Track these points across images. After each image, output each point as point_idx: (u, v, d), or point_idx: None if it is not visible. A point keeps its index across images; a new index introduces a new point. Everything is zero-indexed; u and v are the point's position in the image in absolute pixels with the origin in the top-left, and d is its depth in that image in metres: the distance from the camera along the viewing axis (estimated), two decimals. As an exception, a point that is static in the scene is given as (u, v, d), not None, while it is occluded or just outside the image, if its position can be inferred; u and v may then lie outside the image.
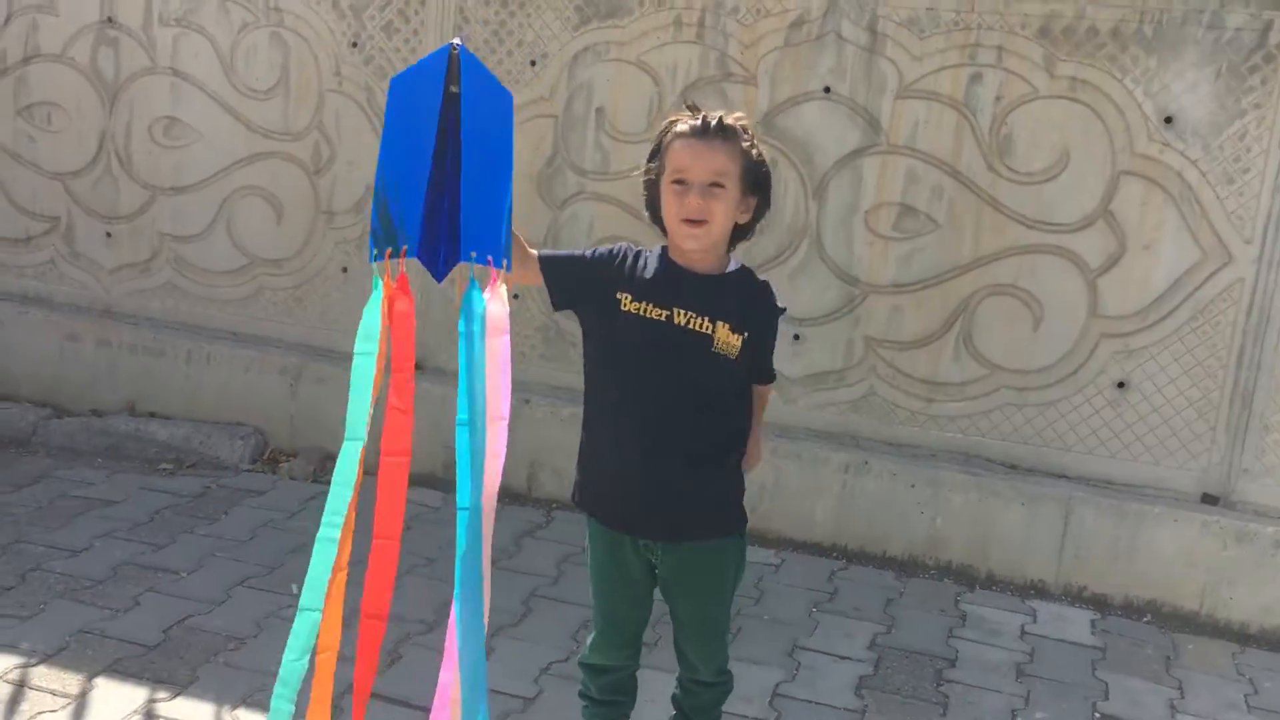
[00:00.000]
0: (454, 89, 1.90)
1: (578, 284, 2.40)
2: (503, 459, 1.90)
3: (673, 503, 2.41)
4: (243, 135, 4.60)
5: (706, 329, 2.34)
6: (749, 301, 2.39)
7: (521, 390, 4.36)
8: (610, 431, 2.45)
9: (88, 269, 4.93)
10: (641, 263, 2.40)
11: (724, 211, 2.31)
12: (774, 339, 2.49)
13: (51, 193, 4.91)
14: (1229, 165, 3.67)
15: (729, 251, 2.42)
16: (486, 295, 1.92)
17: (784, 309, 2.48)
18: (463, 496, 1.87)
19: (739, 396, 2.46)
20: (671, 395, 2.37)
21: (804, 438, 4.12)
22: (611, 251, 2.42)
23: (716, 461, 2.44)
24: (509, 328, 1.91)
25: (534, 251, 2.38)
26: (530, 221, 4.30)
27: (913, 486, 4.00)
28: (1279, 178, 3.62)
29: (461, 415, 1.88)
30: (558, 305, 2.45)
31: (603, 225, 4.22)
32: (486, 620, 1.93)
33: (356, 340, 1.91)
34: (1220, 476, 3.81)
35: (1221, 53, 3.62)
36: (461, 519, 1.88)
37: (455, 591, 1.90)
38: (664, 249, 2.42)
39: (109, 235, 4.86)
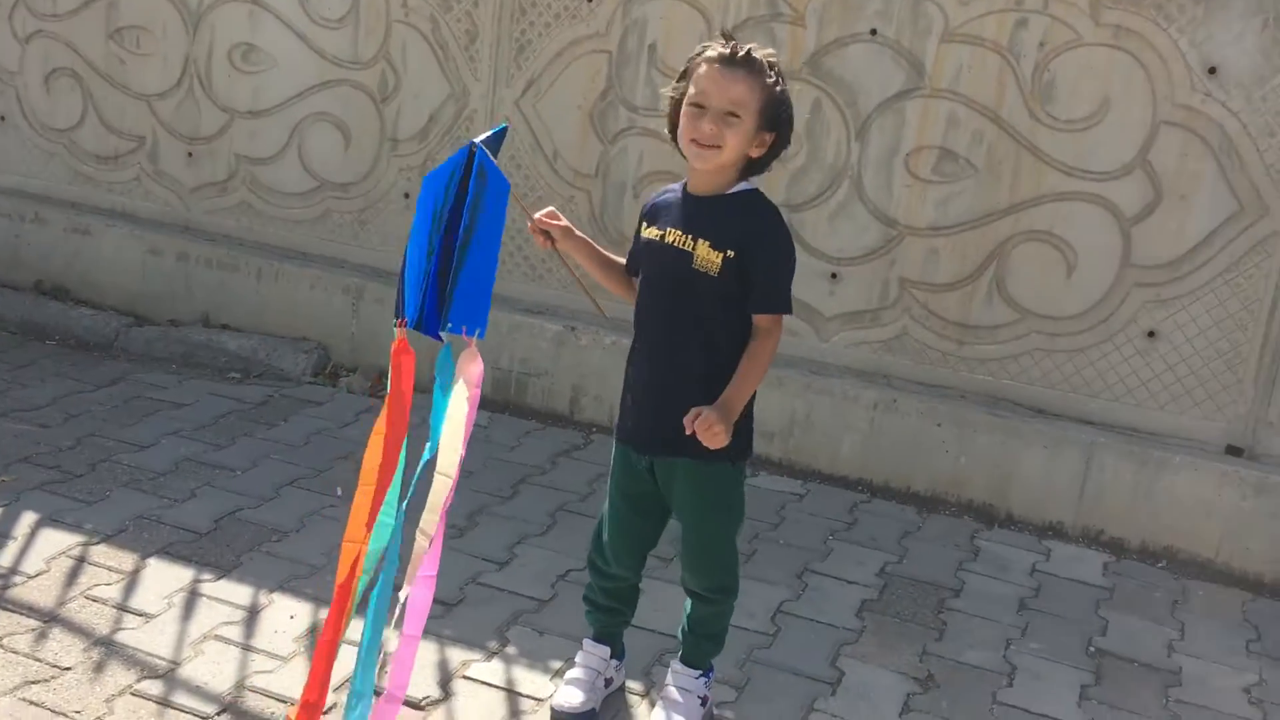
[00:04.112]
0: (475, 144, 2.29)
1: (637, 251, 2.67)
2: (456, 480, 2.24)
3: (662, 418, 2.52)
4: (314, 63, 4.80)
5: (688, 246, 2.47)
6: (739, 221, 2.46)
7: (568, 319, 4.54)
8: (633, 351, 2.64)
9: (170, 187, 5.20)
10: (661, 196, 2.62)
11: (736, 142, 2.40)
12: (775, 262, 2.47)
13: (138, 113, 5.18)
14: (1270, 118, 3.65)
15: (740, 181, 2.50)
16: (463, 358, 2.28)
17: (779, 227, 2.48)
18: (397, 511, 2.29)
19: (729, 319, 2.49)
20: (664, 313, 2.53)
21: (836, 374, 4.23)
22: (643, 208, 2.67)
23: (704, 382, 2.49)
24: (480, 382, 2.26)
25: (621, 260, 2.73)
26: (582, 155, 4.45)
27: (939, 425, 4.09)
28: (1321, 132, 3.61)
29: (432, 444, 2.28)
30: None
31: (651, 159, 4.35)
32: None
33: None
34: (1245, 429, 3.83)
35: (1269, 2, 3.59)
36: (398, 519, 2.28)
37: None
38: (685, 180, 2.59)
39: (190, 155, 5.12)
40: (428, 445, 2.29)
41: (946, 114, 3.98)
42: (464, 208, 2.27)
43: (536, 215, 2.61)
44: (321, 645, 2.30)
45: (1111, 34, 3.76)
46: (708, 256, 2.45)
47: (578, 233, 2.66)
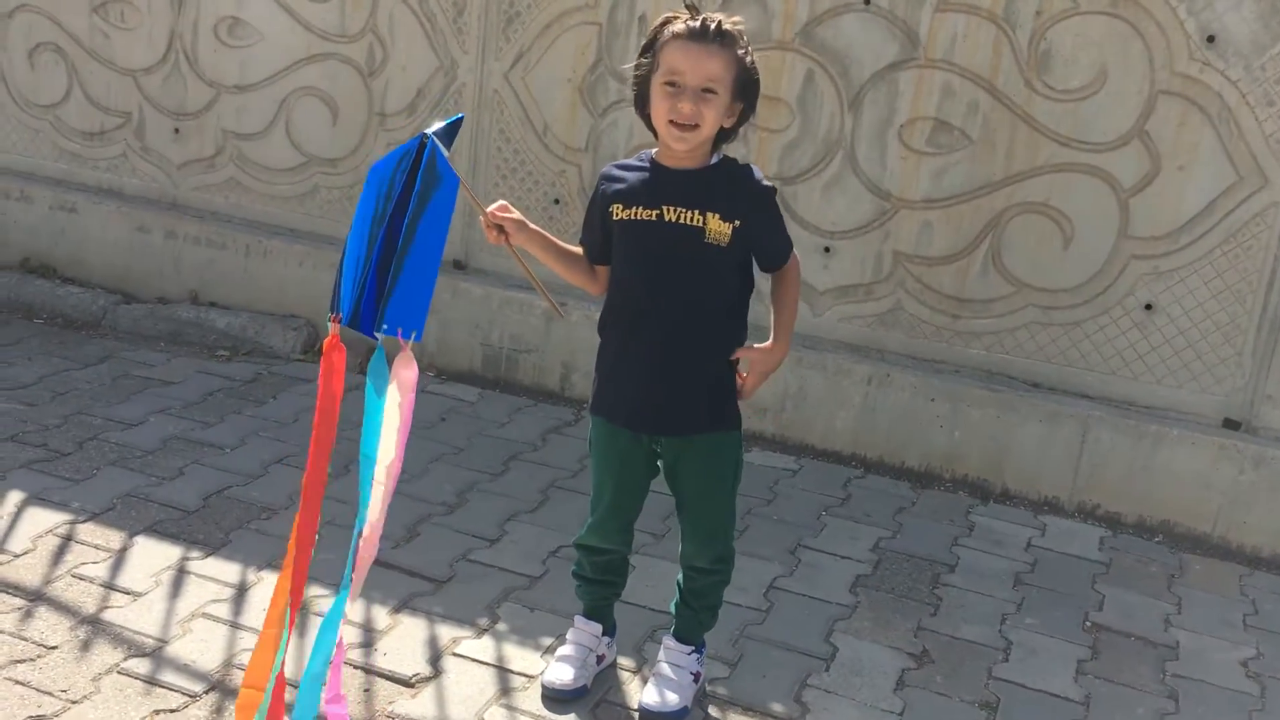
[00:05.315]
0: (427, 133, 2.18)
1: (603, 236, 2.56)
2: (391, 489, 2.18)
3: (683, 398, 2.53)
4: (301, 36, 4.74)
5: (697, 222, 2.43)
6: (735, 189, 2.46)
7: (558, 294, 4.48)
8: (617, 334, 2.59)
9: (157, 163, 5.14)
10: (626, 172, 2.52)
11: (714, 117, 2.39)
12: (773, 217, 2.51)
13: (124, 88, 5.12)
14: (1270, 87, 3.60)
15: (713, 152, 2.49)
16: (398, 362, 2.17)
17: (773, 186, 2.50)
18: (361, 515, 2.20)
19: (736, 289, 2.54)
20: (669, 291, 2.48)
21: (829, 349, 4.19)
22: (597, 188, 2.56)
23: (714, 356, 2.54)
24: (415, 387, 2.16)
25: (577, 250, 2.63)
26: (572, 128, 4.40)
27: (932, 400, 4.06)
28: (1320, 100, 3.57)
29: (366, 451, 2.20)
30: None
31: (641, 133, 4.28)
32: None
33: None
34: (1243, 402, 3.80)
35: (1268, -30, 3.55)
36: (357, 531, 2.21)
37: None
38: (649, 153, 2.52)
39: (177, 131, 5.06)
40: (361, 453, 2.22)
41: (941, 84, 3.93)
42: (410, 201, 2.16)
43: (488, 209, 2.46)
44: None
45: (1109, 2, 3.71)
46: (719, 228, 2.42)
47: (531, 225, 2.51)
